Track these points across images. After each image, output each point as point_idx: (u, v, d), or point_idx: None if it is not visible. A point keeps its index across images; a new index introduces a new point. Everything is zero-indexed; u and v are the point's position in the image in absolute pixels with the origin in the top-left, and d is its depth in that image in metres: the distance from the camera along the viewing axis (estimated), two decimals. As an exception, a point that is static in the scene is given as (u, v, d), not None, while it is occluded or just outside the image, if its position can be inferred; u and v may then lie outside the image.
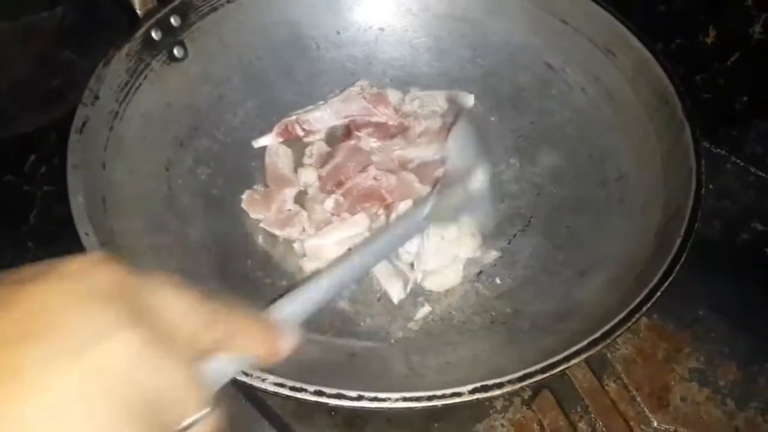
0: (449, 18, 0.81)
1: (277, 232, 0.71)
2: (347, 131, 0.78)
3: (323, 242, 0.68)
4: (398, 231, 0.56)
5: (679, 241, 0.56)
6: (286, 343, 0.38)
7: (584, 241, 0.67)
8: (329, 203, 0.71)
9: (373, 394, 0.47)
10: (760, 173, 0.88)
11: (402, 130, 0.78)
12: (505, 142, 0.78)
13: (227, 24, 0.77)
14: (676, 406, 0.66)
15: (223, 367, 0.34)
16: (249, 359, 0.36)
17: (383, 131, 0.77)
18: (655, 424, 0.65)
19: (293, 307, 0.41)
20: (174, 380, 0.29)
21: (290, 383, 0.48)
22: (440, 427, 0.64)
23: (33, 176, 0.88)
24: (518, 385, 0.48)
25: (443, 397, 0.48)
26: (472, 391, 0.48)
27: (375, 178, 0.71)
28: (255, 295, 0.66)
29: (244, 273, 0.68)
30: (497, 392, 0.48)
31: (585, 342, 0.50)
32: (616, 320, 0.52)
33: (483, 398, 0.48)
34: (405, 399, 0.47)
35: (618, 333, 0.51)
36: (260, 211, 0.72)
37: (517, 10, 0.78)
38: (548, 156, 0.75)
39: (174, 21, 0.72)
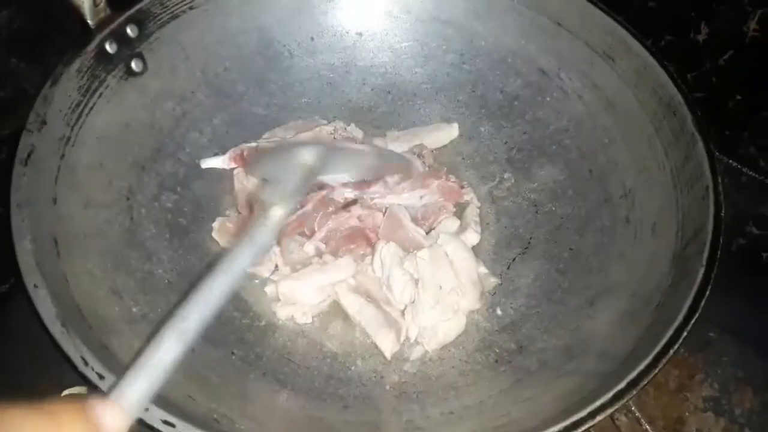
0: (434, 21, 0.75)
1: (248, 269, 0.64)
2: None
3: (300, 286, 0.61)
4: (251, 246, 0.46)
5: (702, 271, 0.51)
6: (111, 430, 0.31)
7: (590, 266, 0.62)
8: (310, 248, 0.64)
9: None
10: (754, 174, 0.84)
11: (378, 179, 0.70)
12: (498, 155, 0.72)
13: (189, 32, 0.69)
14: (692, 439, 0.62)
15: None
16: None
17: (357, 183, 0.69)
18: (671, 460, 0.61)
19: (133, 387, 0.34)
20: None
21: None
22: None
23: (-21, 198, 0.80)
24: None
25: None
26: (488, 459, 0.42)
27: (359, 219, 0.65)
28: (234, 337, 0.59)
29: (218, 314, 0.61)
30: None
31: (610, 395, 0.45)
32: (642, 366, 0.46)
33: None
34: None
35: (645, 382, 0.46)
36: (232, 240, 0.65)
37: (506, 12, 0.72)
38: (545, 170, 0.70)
39: (130, 31, 0.65)
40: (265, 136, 0.72)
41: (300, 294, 0.61)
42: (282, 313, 0.62)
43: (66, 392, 0.63)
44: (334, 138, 0.70)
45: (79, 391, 0.63)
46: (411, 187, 0.69)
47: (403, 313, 0.61)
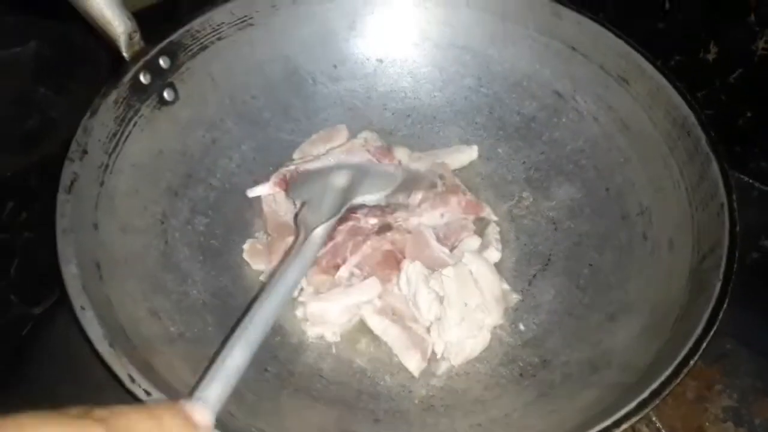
0: (451, 47, 0.78)
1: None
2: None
3: (328, 306, 0.63)
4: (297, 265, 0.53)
5: (719, 285, 0.53)
6: (203, 428, 0.35)
7: (610, 282, 0.64)
8: (344, 273, 0.66)
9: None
10: (765, 188, 0.86)
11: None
12: (516, 175, 0.75)
13: (218, 63, 0.72)
14: (713, 449, 0.63)
15: None
16: None
17: (381, 208, 0.71)
18: (693, 470, 0.62)
19: (210, 390, 0.39)
20: None
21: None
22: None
23: (12, 224, 0.83)
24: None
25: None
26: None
27: (393, 243, 0.67)
28: (268, 355, 0.62)
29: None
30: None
31: (633, 404, 0.47)
32: (663, 377, 0.48)
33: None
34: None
35: (667, 392, 0.48)
36: (262, 261, 0.68)
37: (522, 38, 0.74)
38: (563, 189, 0.72)
39: (163, 62, 0.68)
40: (295, 155, 0.75)
41: (327, 315, 0.63)
42: (311, 332, 0.64)
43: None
44: (367, 150, 0.73)
45: (118, 410, 0.65)
46: (432, 207, 0.71)
47: (428, 329, 0.63)
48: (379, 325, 0.64)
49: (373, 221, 0.70)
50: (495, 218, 0.72)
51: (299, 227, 0.60)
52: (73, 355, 0.70)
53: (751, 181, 0.86)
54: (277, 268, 0.58)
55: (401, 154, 0.75)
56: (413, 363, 0.61)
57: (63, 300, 0.72)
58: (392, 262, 0.67)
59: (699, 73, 0.92)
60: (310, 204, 0.63)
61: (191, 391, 0.39)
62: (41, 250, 0.79)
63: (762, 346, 0.69)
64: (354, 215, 0.70)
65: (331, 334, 0.64)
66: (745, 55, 0.93)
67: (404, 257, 0.67)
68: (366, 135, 0.75)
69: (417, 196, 0.71)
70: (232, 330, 0.45)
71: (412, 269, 0.63)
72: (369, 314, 0.64)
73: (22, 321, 0.73)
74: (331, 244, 0.67)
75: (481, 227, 0.71)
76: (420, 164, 0.75)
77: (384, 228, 0.68)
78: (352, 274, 0.66)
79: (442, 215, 0.71)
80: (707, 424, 0.65)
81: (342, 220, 0.68)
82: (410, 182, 0.68)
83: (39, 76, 1.00)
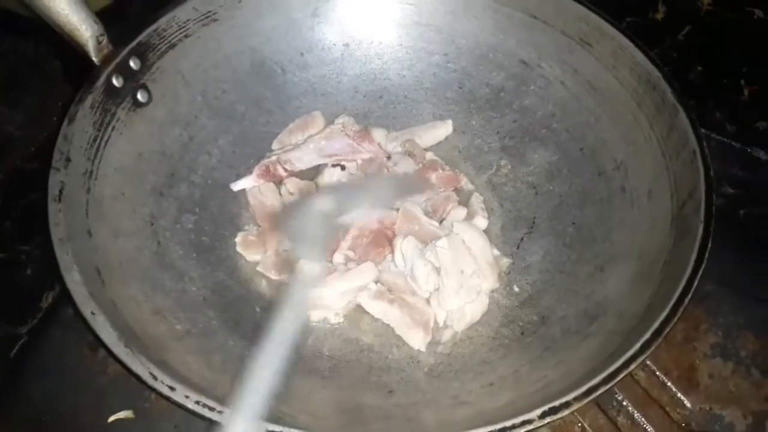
0: (415, 25, 0.79)
1: (274, 277, 0.67)
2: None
3: (327, 292, 0.64)
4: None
5: (701, 226, 0.56)
6: None
7: (595, 236, 0.66)
8: (339, 258, 0.67)
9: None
10: (722, 138, 0.89)
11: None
12: (491, 145, 0.77)
13: (187, 60, 0.72)
14: (706, 384, 0.67)
15: None
16: None
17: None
18: (689, 405, 0.65)
19: (247, 409, 0.42)
20: None
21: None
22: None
23: (-19, 245, 0.81)
24: (585, 401, 0.47)
25: (514, 427, 0.46)
26: (542, 416, 0.46)
27: (380, 221, 0.68)
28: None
29: (256, 323, 0.64)
30: (566, 412, 0.47)
31: (638, 345, 0.50)
32: (662, 317, 0.51)
33: (553, 420, 0.46)
34: (476, 437, 0.45)
35: (667, 330, 0.50)
36: (256, 252, 0.68)
37: (483, 11, 0.76)
38: (538, 153, 0.74)
39: (133, 64, 0.67)
40: (274, 146, 0.76)
41: (327, 299, 0.64)
42: (315, 316, 0.65)
43: (112, 418, 0.65)
44: (346, 134, 0.74)
45: (125, 416, 0.65)
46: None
47: (428, 301, 0.64)
48: (378, 309, 0.65)
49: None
50: (472, 187, 0.74)
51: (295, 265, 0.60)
52: (68, 366, 0.69)
53: (708, 132, 0.90)
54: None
55: (378, 135, 0.76)
56: (417, 340, 0.62)
57: (50, 315, 0.72)
58: (382, 240, 0.68)
59: (650, 32, 0.96)
60: (300, 239, 0.61)
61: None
62: (16, 269, 0.78)
63: (739, 285, 0.72)
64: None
65: (334, 316, 0.65)
66: (691, 12, 0.97)
67: (395, 235, 0.68)
68: (343, 120, 0.76)
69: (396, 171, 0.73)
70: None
71: (406, 244, 0.65)
72: (366, 300, 0.65)
73: (9, 342, 0.72)
74: None
75: (464, 198, 0.73)
76: (395, 144, 0.76)
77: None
78: (347, 258, 0.67)
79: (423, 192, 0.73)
80: (697, 361, 0.68)
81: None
82: (398, 191, 0.70)
83: (-9, 92, 0.97)
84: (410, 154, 0.75)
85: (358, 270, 0.66)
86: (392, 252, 0.66)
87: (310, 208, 0.60)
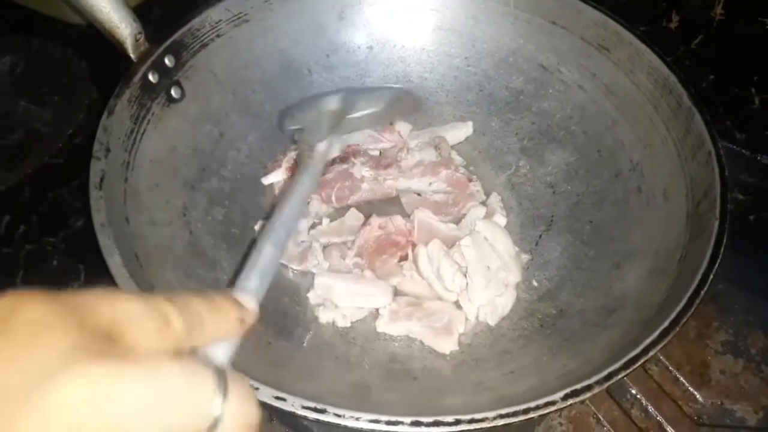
0: (436, 30, 0.82)
1: (296, 267, 0.70)
2: (342, 157, 0.77)
3: (336, 285, 0.66)
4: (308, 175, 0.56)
5: (717, 223, 0.58)
6: (250, 313, 0.37)
7: (612, 234, 0.69)
8: (350, 262, 0.69)
9: (469, 416, 0.47)
10: (731, 146, 0.92)
11: (395, 161, 0.78)
12: (511, 146, 0.79)
13: (218, 59, 0.75)
14: (717, 379, 0.69)
15: (205, 359, 0.32)
16: (226, 343, 0.35)
17: (376, 161, 0.77)
18: (701, 399, 0.67)
19: (249, 281, 0.41)
20: (163, 393, 0.27)
21: (385, 418, 0.47)
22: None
23: (11, 237, 0.84)
24: (606, 385, 0.49)
25: (537, 408, 0.48)
26: (564, 398, 0.48)
27: (380, 227, 0.70)
28: (299, 329, 0.65)
29: (283, 310, 0.66)
30: (587, 394, 0.49)
31: (656, 334, 0.51)
32: (679, 308, 0.53)
33: (575, 402, 0.48)
34: (502, 416, 0.47)
35: (685, 319, 0.52)
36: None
37: (503, 17, 0.79)
38: (556, 154, 0.77)
39: (168, 61, 0.70)
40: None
41: (334, 294, 0.66)
42: (323, 317, 0.66)
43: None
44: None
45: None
46: (422, 174, 0.76)
47: (457, 302, 0.66)
48: (399, 329, 0.65)
49: (366, 171, 0.75)
50: (483, 198, 0.76)
51: (300, 149, 0.64)
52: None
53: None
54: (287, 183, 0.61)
55: (403, 128, 0.79)
56: (446, 347, 0.63)
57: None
58: (389, 246, 0.69)
59: (663, 41, 0.98)
60: (308, 128, 0.66)
61: (231, 284, 0.42)
62: (42, 261, 0.81)
63: (750, 285, 0.74)
64: (352, 160, 0.75)
65: (341, 318, 0.66)
66: (704, 22, 0.99)
67: (406, 240, 0.70)
68: None
69: (414, 159, 0.76)
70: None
71: (432, 247, 0.66)
72: (385, 326, 0.65)
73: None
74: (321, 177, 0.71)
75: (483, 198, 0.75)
76: (418, 141, 0.79)
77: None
78: (358, 264, 0.69)
79: (430, 183, 0.76)
80: (709, 358, 0.70)
81: (339, 160, 0.75)
82: (399, 98, 0.73)
83: (18, 91, 1.00)
84: (436, 147, 0.78)
85: (373, 290, 0.66)
86: (416, 260, 0.68)
87: (318, 102, 0.67)
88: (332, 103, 0.68)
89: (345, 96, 0.69)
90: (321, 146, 0.60)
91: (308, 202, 0.72)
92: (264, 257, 0.43)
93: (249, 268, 0.42)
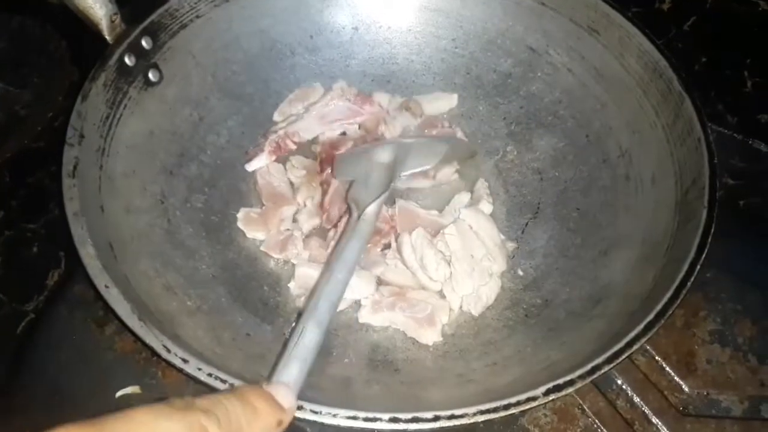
0: (423, 10, 0.80)
1: (276, 255, 0.68)
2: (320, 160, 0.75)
3: (316, 275, 0.64)
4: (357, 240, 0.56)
5: (705, 212, 0.57)
6: (288, 412, 0.38)
7: (599, 222, 0.67)
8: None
9: (449, 412, 0.46)
10: (723, 129, 0.90)
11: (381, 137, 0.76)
12: (498, 131, 0.77)
13: (198, 41, 0.73)
14: (704, 369, 0.68)
15: None
16: None
17: (362, 142, 0.75)
18: (687, 389, 0.66)
19: (289, 371, 0.41)
20: None
21: (363, 414, 0.46)
22: (485, 426, 0.63)
23: (-11, 223, 0.82)
24: (589, 379, 0.48)
25: (518, 404, 0.47)
26: (546, 393, 0.47)
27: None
28: (280, 319, 0.63)
29: (263, 299, 0.65)
30: (570, 389, 0.48)
31: (641, 326, 0.51)
32: (665, 299, 0.52)
33: (557, 398, 0.47)
34: (482, 412, 0.46)
35: (670, 311, 0.52)
36: (257, 230, 0.69)
37: (492, -4, 0.77)
38: (544, 139, 0.75)
39: (145, 43, 0.68)
40: (276, 117, 0.77)
41: (312, 282, 0.64)
42: (295, 291, 0.65)
43: (120, 393, 0.66)
44: (347, 99, 0.76)
45: (132, 391, 0.66)
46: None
47: (441, 291, 0.65)
48: (381, 320, 0.64)
49: None
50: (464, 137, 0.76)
51: (350, 206, 0.63)
52: (75, 343, 0.70)
53: (709, 123, 0.91)
54: (334, 249, 0.61)
55: (382, 98, 0.78)
56: (428, 337, 0.62)
57: (56, 293, 0.73)
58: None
59: (655, 22, 0.96)
60: (358, 182, 0.65)
61: (270, 375, 0.42)
62: (22, 247, 0.79)
63: (738, 273, 0.73)
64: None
65: None
66: (697, 4, 0.98)
67: (388, 227, 0.68)
68: (341, 85, 0.77)
69: (395, 131, 0.76)
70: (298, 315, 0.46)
71: (415, 236, 0.65)
72: (367, 316, 0.64)
73: (15, 319, 0.73)
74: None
75: (470, 183, 0.74)
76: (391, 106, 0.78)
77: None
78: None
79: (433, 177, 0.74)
80: (696, 347, 0.69)
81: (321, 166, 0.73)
82: (450, 149, 0.72)
83: (-2, 72, 0.98)
84: (407, 109, 0.77)
85: (355, 281, 0.62)
86: (399, 249, 0.66)
87: (370, 155, 0.67)
88: (385, 156, 0.67)
89: (398, 148, 0.68)
90: (371, 208, 0.59)
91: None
92: (305, 341, 0.43)
93: (288, 355, 0.42)
